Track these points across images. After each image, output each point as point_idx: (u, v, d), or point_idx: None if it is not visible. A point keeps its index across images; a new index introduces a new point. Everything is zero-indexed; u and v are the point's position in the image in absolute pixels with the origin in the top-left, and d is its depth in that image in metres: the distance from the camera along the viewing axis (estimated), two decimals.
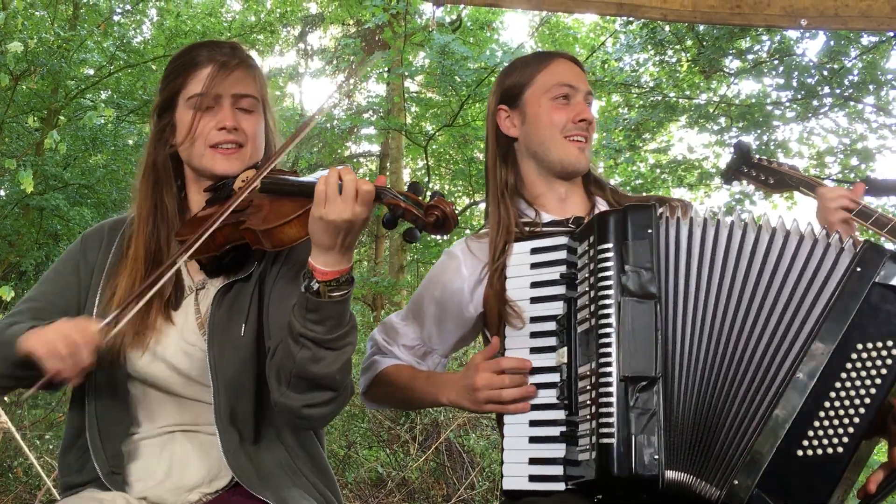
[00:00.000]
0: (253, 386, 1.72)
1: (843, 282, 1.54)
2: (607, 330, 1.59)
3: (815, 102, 9.19)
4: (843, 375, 1.49)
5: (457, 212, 1.48)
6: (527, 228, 1.94)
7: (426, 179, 12.74)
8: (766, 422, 1.51)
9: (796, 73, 8.94)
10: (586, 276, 1.67)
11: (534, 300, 1.79)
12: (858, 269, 1.54)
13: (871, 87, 8.83)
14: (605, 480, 1.56)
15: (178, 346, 1.73)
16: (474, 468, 5.82)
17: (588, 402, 1.61)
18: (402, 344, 2.05)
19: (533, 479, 1.70)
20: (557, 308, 1.74)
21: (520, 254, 1.84)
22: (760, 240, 1.61)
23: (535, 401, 1.74)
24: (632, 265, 1.60)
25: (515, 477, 1.73)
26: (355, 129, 13.43)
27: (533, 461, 1.71)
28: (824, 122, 9.82)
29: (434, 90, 12.06)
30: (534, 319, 1.78)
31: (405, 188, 1.53)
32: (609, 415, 1.55)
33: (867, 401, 1.48)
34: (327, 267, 1.54)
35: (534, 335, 1.77)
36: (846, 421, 1.48)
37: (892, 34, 7.96)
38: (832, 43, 8.47)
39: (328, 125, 12.14)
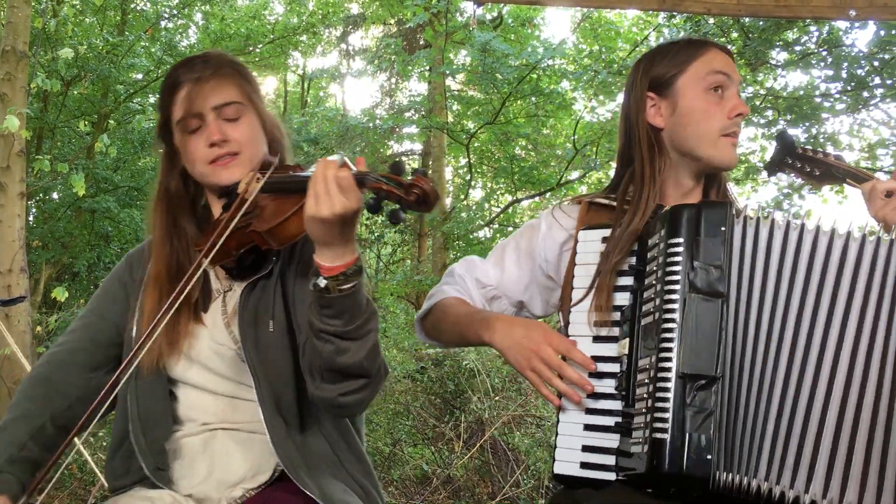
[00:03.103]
0: (292, 378, 1.75)
1: None
2: (670, 325, 1.57)
3: (865, 94, 8.98)
4: None
5: (436, 187, 1.48)
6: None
7: (468, 177, 12.74)
8: None
9: (846, 63, 8.74)
10: (654, 268, 1.65)
11: None
12: None
13: None
14: (655, 476, 1.55)
15: (209, 347, 1.78)
16: (519, 466, 5.81)
17: (645, 396, 1.60)
18: (476, 277, 2.01)
19: (584, 466, 1.71)
20: (624, 299, 1.73)
21: (589, 241, 1.82)
22: (849, 248, 1.58)
23: (594, 389, 1.73)
24: (701, 262, 1.57)
25: (567, 462, 1.73)
26: (397, 129, 13.49)
27: (586, 448, 1.71)
28: (875, 114, 9.59)
29: (475, 88, 12.07)
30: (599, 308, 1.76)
31: (388, 170, 1.52)
32: (664, 410, 1.54)
33: None
34: (332, 262, 1.55)
35: (597, 324, 1.75)
36: None
37: None
38: (882, 33, 8.26)
39: (370, 125, 12.22)
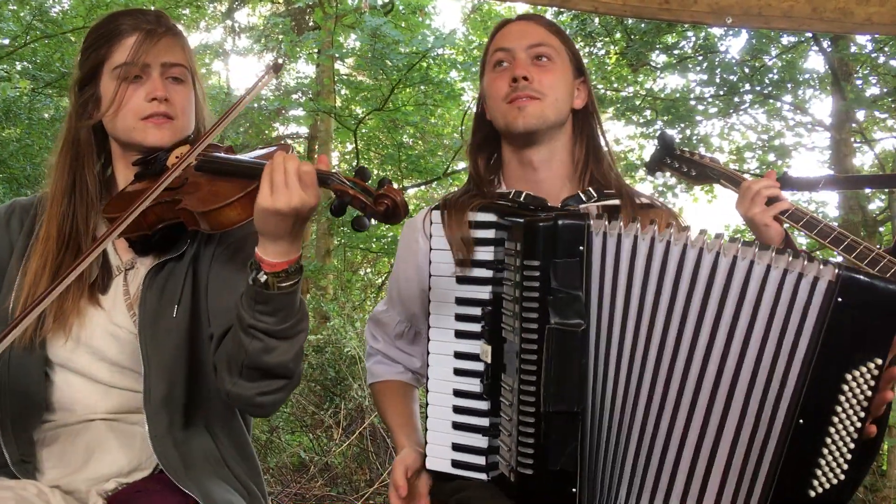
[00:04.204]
0: (185, 371, 1.67)
1: (826, 316, 1.44)
2: (531, 357, 1.53)
3: (735, 99, 9.45)
4: (839, 408, 1.45)
5: (405, 199, 1.43)
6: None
7: (355, 163, 12.63)
8: (779, 470, 1.48)
9: (719, 69, 9.18)
10: (511, 282, 1.59)
11: (460, 280, 1.71)
12: (840, 300, 1.43)
13: (788, 85, 9.14)
14: (523, 500, 1.58)
15: (105, 329, 1.67)
16: (398, 453, 5.82)
17: (508, 418, 1.60)
18: (392, 335, 2.01)
19: (456, 464, 1.71)
20: (484, 292, 1.69)
21: (440, 224, 1.74)
22: (720, 263, 1.49)
23: (460, 387, 1.71)
24: (559, 286, 1.51)
25: (439, 459, 1.73)
26: (283, 111, 13.20)
27: (456, 447, 1.70)
28: (744, 119, 10.14)
29: (364, 73, 11.95)
30: (460, 301, 1.71)
31: (353, 173, 1.47)
32: (528, 445, 1.53)
33: (859, 424, 1.46)
34: (276, 258, 1.49)
35: (459, 318, 1.71)
36: (844, 449, 1.47)
37: (810, 35, 8.25)
38: (754, 41, 8.72)
39: (255, 105, 11.91)
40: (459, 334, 1.71)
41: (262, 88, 1.64)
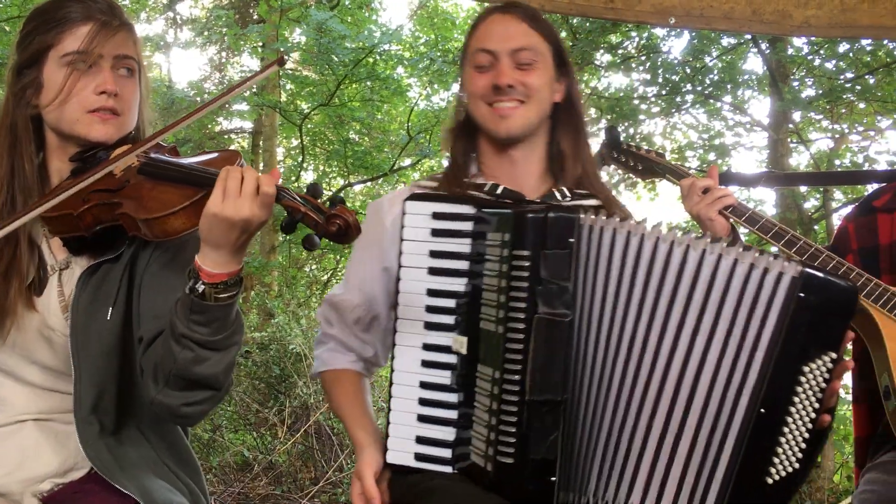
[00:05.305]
0: (117, 375, 1.62)
1: (789, 309, 1.49)
2: (516, 346, 1.53)
3: (677, 99, 9.62)
4: (796, 399, 1.50)
5: (357, 219, 1.40)
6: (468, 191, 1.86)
7: (300, 159, 12.52)
8: (740, 459, 1.52)
9: (662, 69, 9.34)
10: (496, 272, 1.59)
11: (432, 271, 1.69)
12: (802, 295, 1.48)
13: (728, 86, 9.34)
14: (499, 490, 1.57)
15: (39, 332, 1.61)
16: (343, 450, 5.80)
17: (486, 408, 1.58)
18: (349, 320, 1.91)
19: (419, 457, 1.67)
20: (458, 284, 1.67)
21: (418, 215, 1.72)
22: (689, 258, 1.53)
23: (427, 379, 1.68)
24: (548, 277, 1.53)
25: (401, 452, 1.69)
26: (227, 105, 13.01)
27: (420, 440, 1.68)
28: (686, 118, 10.34)
29: (310, 68, 11.84)
30: (431, 293, 1.69)
31: (304, 189, 1.45)
32: (509, 434, 1.53)
33: (814, 415, 1.52)
34: (216, 268, 1.45)
35: (430, 310, 1.68)
36: (800, 438, 1.52)
37: (749, 37, 8.44)
38: (695, 42, 8.89)
39: (198, 99, 11.70)
40: (429, 326, 1.69)
41: (259, 79, 1.58)
